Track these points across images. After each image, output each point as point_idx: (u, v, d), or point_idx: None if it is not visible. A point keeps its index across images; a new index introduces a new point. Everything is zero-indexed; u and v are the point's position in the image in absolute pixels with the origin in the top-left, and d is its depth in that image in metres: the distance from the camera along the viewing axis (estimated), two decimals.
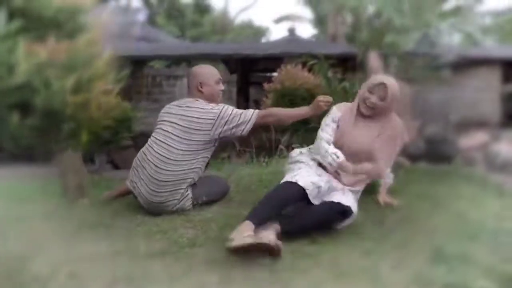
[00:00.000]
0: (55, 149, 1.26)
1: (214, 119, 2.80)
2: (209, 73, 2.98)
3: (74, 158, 3.24)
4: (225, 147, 5.48)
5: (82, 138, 1.23)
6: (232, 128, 2.80)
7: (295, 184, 2.41)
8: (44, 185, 3.60)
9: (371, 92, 2.59)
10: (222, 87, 3.02)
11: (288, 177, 2.49)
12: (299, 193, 2.41)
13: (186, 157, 2.79)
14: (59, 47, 1.06)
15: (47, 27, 1.07)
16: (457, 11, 5.10)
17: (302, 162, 2.66)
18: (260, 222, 2.28)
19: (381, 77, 2.66)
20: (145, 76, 9.43)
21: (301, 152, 2.74)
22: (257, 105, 6.92)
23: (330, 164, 2.55)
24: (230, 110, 2.83)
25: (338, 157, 2.54)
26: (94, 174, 5.59)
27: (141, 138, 3.22)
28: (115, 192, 3.16)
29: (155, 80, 9.46)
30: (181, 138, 2.79)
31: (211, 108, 2.83)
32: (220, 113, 2.81)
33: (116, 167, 7.07)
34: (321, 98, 2.73)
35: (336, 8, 4.85)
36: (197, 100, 2.90)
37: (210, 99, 2.93)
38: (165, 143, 2.81)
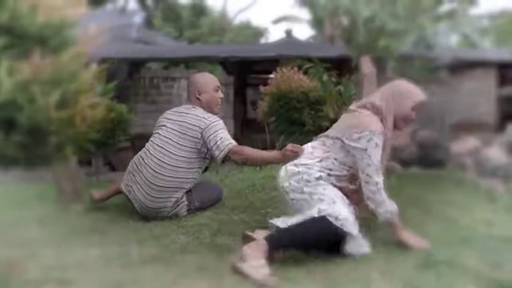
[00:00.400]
0: (40, 165, 1.27)
1: (203, 128, 2.81)
2: (207, 81, 3.00)
3: (69, 162, 3.25)
4: None
5: (67, 153, 1.24)
6: (210, 148, 2.80)
7: (340, 229, 2.21)
8: (40, 189, 3.61)
9: (413, 109, 2.41)
10: (221, 94, 3.03)
11: (325, 210, 2.24)
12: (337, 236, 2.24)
13: (183, 164, 2.82)
14: (44, 62, 1.07)
15: (32, 43, 1.08)
16: (452, 14, 5.11)
17: (328, 189, 2.36)
18: (276, 250, 2.21)
19: (419, 92, 2.45)
20: (143, 78, 9.44)
21: (320, 176, 2.38)
22: (254, 106, 6.92)
23: (383, 219, 2.34)
24: (217, 127, 2.82)
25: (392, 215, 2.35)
26: (92, 176, 5.61)
27: (139, 140, 3.23)
28: (104, 193, 3.15)
29: (153, 82, 9.46)
30: (179, 144, 2.82)
31: (203, 117, 2.85)
32: (209, 124, 2.82)
33: (113, 168, 7.09)
34: (289, 148, 2.55)
35: (331, 11, 4.85)
36: (195, 108, 2.92)
37: (208, 106, 2.95)
38: (163, 148, 2.84)
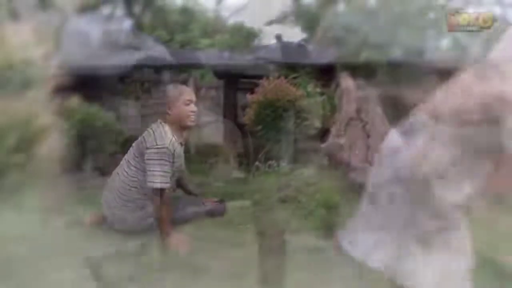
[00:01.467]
0: None
1: (144, 149, 2.77)
2: (177, 94, 2.89)
3: (51, 173, 3.24)
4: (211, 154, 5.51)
5: (25, 196, 1.25)
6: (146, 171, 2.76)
7: None
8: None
9: None
10: (193, 108, 2.90)
11: None
12: None
13: (141, 177, 2.80)
14: (1, 105, 1.08)
15: None
16: (437, 22, 5.14)
17: None
18: None
19: None
20: (133, 82, 9.42)
21: None
22: (245, 111, 6.94)
23: None
24: (156, 156, 2.73)
25: None
26: (81, 182, 5.60)
27: (129, 144, 3.22)
28: (100, 215, 3.07)
29: (143, 86, 9.44)
30: (136, 156, 2.83)
31: (159, 139, 2.77)
32: (152, 149, 2.75)
33: (104, 173, 7.08)
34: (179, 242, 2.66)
35: (319, 20, 4.89)
36: (162, 124, 2.86)
37: (179, 120, 2.87)
38: (128, 161, 2.86)
